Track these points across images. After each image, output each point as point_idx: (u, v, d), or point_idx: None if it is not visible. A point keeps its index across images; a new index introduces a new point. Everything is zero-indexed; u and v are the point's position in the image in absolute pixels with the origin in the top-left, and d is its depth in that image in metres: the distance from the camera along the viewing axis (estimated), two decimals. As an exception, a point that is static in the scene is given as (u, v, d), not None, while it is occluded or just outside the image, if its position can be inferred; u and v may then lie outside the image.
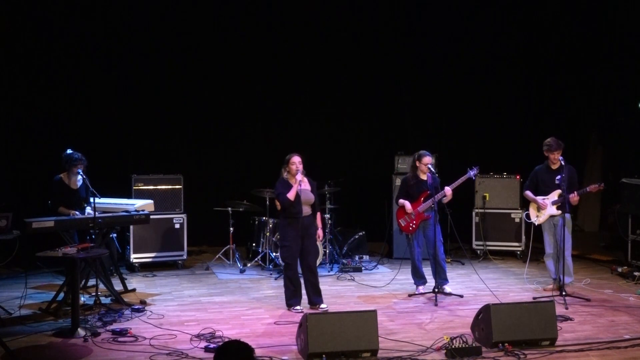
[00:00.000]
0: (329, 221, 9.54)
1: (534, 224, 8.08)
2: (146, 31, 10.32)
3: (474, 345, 5.79)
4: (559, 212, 7.77)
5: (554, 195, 7.86)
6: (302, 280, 7.37)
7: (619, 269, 9.01)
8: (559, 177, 7.77)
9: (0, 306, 7.15)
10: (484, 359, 5.69)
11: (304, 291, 7.36)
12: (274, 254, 9.30)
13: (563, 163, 7.67)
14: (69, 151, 7.70)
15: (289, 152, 7.41)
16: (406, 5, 11.20)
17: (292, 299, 7.28)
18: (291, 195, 7.13)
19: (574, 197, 7.69)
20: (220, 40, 10.74)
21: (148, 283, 8.63)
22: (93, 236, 7.27)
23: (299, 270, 7.38)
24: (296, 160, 7.24)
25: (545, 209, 7.88)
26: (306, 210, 7.25)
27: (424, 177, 7.93)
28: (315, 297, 7.33)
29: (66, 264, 7.23)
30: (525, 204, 10.14)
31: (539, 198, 7.94)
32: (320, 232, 7.59)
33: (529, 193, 8.09)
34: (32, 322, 6.74)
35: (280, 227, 7.48)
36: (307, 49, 11.03)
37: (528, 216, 8.15)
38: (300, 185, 7.18)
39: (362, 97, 11.43)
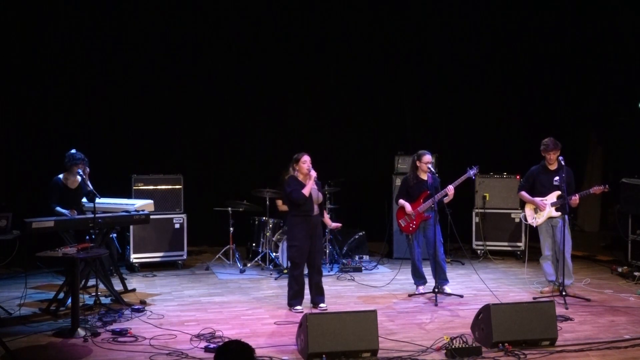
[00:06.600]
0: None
1: (532, 226, 7.95)
2: (146, 31, 10.31)
3: (474, 345, 5.79)
4: (559, 213, 7.65)
5: (553, 196, 7.73)
6: (305, 280, 7.38)
7: (619, 269, 9.00)
8: (557, 178, 7.67)
9: (0, 306, 7.15)
10: (484, 359, 5.68)
11: (306, 291, 7.37)
12: (274, 254, 9.30)
13: (563, 163, 7.60)
14: (72, 151, 7.74)
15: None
16: (406, 6, 11.19)
17: (294, 299, 7.28)
18: (306, 191, 7.14)
19: (575, 200, 7.59)
20: (220, 40, 10.73)
21: (148, 283, 8.62)
22: (93, 236, 7.27)
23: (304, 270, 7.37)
24: (307, 159, 7.29)
25: (544, 210, 7.75)
26: (315, 209, 7.27)
27: (424, 177, 7.92)
28: (318, 296, 7.35)
29: (66, 264, 7.22)
30: (524, 204, 10.17)
31: (538, 199, 7.82)
32: (334, 224, 7.78)
33: (524, 194, 7.94)
34: (32, 322, 6.73)
35: (289, 227, 7.44)
36: (308, 49, 11.03)
37: (525, 217, 8.00)
38: (314, 182, 7.23)
39: (363, 97, 11.42)
